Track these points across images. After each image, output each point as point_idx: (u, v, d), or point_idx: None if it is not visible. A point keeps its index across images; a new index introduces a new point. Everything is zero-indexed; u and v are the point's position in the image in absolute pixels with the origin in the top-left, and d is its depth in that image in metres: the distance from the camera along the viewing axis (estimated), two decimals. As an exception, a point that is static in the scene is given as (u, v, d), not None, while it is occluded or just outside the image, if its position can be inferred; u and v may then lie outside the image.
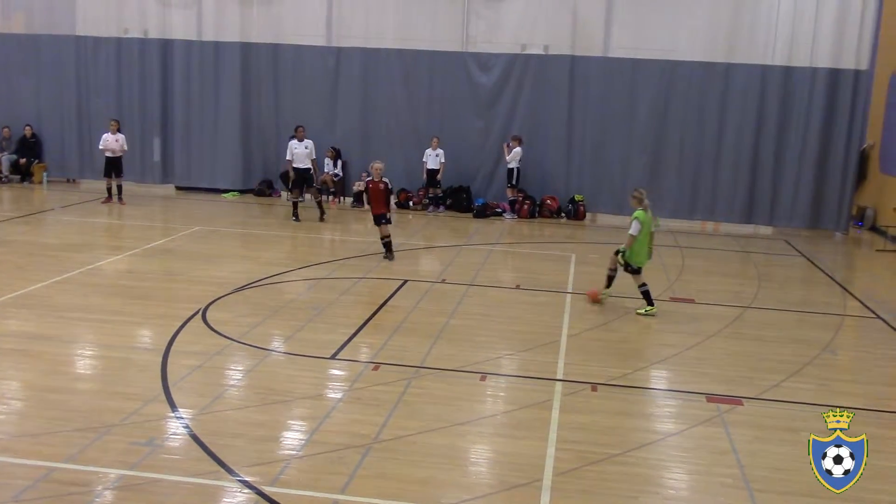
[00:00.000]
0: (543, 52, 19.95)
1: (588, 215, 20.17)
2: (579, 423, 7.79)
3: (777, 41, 19.04)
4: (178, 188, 21.96)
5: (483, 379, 8.88)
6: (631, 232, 11.63)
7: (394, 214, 19.36)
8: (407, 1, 20.33)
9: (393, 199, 20.24)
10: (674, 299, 12.71)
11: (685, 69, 19.41)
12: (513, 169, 19.57)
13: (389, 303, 11.75)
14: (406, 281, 13.00)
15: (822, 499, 6.20)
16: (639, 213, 11.66)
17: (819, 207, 19.52)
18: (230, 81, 21.18)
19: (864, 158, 19.93)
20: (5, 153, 21.84)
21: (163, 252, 14.61)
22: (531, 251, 16.53)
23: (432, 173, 19.92)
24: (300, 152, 18.11)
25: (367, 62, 20.61)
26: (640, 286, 11.81)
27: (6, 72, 22.02)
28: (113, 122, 19.53)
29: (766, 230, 19.89)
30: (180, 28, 21.24)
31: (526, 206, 19.94)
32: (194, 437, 7.13)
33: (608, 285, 12.19)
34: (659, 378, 9.41)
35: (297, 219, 17.96)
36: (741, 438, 7.58)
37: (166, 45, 21.35)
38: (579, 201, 20.09)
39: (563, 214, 20.20)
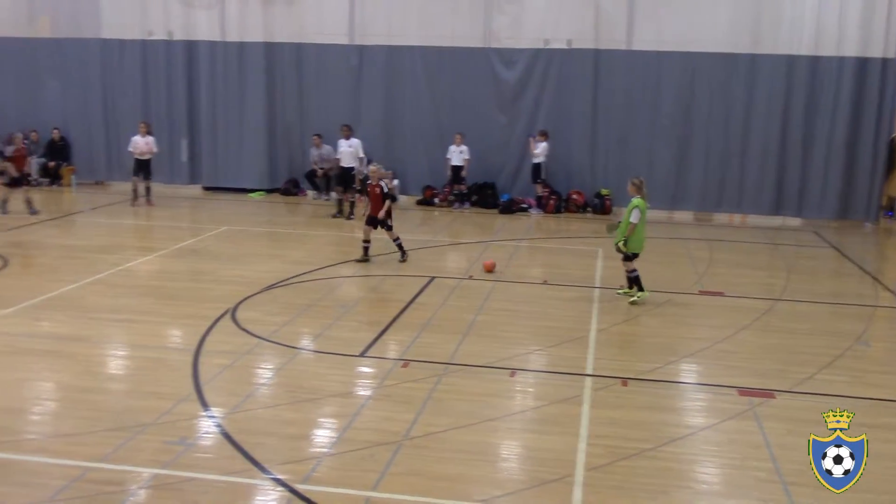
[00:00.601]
0: (566, 47, 19.86)
1: (614, 209, 20.03)
2: (610, 418, 7.76)
3: (803, 31, 18.83)
4: (205, 188, 22.10)
5: (512, 375, 8.87)
6: (632, 220, 11.69)
7: (416, 213, 19.41)
8: (429, -2, 20.36)
9: (416, 198, 20.38)
10: (703, 292, 12.63)
11: (709, 61, 19.23)
12: (539, 164, 19.51)
13: (417, 300, 11.76)
14: (433, 278, 13.00)
15: (856, 493, 6.11)
16: (638, 201, 11.74)
17: (848, 198, 19.28)
18: (255, 81, 21.28)
19: (893, 148, 19.64)
20: (34, 156, 22.08)
21: (191, 252, 14.72)
22: (558, 246, 16.48)
23: (457, 170, 19.90)
24: (345, 151, 18.46)
25: (390, 60, 20.63)
26: (630, 271, 11.85)
27: (33, 76, 22.23)
28: (142, 125, 19.62)
29: (794, 222, 19.67)
30: (204, 29, 21.35)
31: (552, 201, 19.88)
32: (226, 436, 7.18)
33: (631, 286, 12.04)
34: (689, 372, 9.36)
35: (339, 215, 18.32)
36: (774, 432, 7.51)
37: (191, 47, 21.48)
38: (605, 195, 19.99)
39: (589, 209, 20.11)
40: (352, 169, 18.44)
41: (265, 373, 8.93)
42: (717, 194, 19.77)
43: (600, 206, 19.94)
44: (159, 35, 21.54)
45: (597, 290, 12.64)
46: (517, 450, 7.28)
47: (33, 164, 21.94)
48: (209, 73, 21.50)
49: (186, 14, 21.39)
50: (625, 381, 8.72)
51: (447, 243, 16.40)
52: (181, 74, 21.59)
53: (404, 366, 9.03)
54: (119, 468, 6.58)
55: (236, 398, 8.06)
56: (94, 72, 21.92)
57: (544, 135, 19.48)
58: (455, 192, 20.21)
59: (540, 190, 19.82)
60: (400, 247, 14.17)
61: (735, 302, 12.16)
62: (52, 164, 21.99)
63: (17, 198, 17.59)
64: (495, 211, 19.96)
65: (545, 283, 13.08)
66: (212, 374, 8.64)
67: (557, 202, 19.97)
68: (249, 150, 21.56)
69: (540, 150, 19.42)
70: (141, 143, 19.23)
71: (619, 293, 12.20)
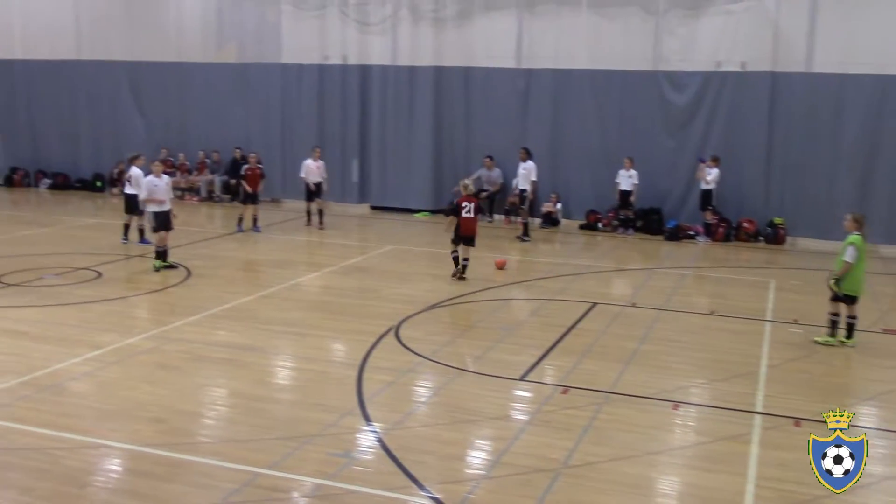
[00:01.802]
0: (741, 70, 19.17)
1: (788, 239, 19.11)
2: (781, 459, 7.37)
3: None
4: (373, 208, 22.75)
5: (676, 408, 8.60)
6: (846, 258, 10.80)
7: (579, 237, 19.31)
8: (598, 21, 20.15)
9: (580, 222, 20.24)
10: (886, 331, 11.81)
11: (899, 83, 18.05)
12: (709, 191, 18.86)
13: (578, 325, 11.62)
14: (595, 304, 12.81)
15: None
16: (855, 238, 10.85)
17: None
18: (423, 104, 21.79)
19: None
20: (216, 174, 23.46)
21: (358, 270, 15.17)
22: (726, 276, 15.88)
23: (625, 195, 19.53)
24: (520, 173, 18.99)
25: (558, 83, 20.58)
26: (833, 314, 10.95)
27: (219, 99, 23.67)
28: (317, 150, 20.30)
29: None
30: (377, 53, 22.11)
31: (721, 229, 19.18)
32: (387, 451, 7.32)
33: (833, 332, 11.00)
34: (869, 416, 8.78)
35: (526, 237, 18.65)
36: (967, 487, 6.91)
37: (364, 70, 22.29)
38: (779, 224, 19.09)
39: (760, 238, 19.27)
40: (523, 191, 18.78)
41: (426, 391, 9.06)
42: (906, 225, 18.46)
43: (773, 236, 19.05)
44: (335, 59, 22.45)
45: (768, 323, 12.07)
46: (679, 486, 7.02)
47: (217, 182, 23.35)
48: (381, 95, 22.21)
49: (361, 39, 22.20)
50: (798, 421, 8.26)
51: (610, 269, 16.14)
52: (354, 97, 22.42)
53: (564, 392, 8.92)
54: (286, 476, 6.83)
55: (397, 415, 8.21)
56: (275, 94, 23.09)
57: (716, 160, 18.83)
58: (620, 216, 19.87)
59: (709, 217, 19.16)
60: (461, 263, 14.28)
61: (923, 343, 11.31)
62: (233, 181, 23.20)
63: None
64: (661, 237, 19.46)
65: (712, 313, 12.62)
66: (375, 390, 8.84)
67: (727, 230, 19.24)
68: (416, 171, 22.06)
69: (712, 176, 18.74)
70: (313, 168, 19.89)
71: (817, 340, 11.09)
